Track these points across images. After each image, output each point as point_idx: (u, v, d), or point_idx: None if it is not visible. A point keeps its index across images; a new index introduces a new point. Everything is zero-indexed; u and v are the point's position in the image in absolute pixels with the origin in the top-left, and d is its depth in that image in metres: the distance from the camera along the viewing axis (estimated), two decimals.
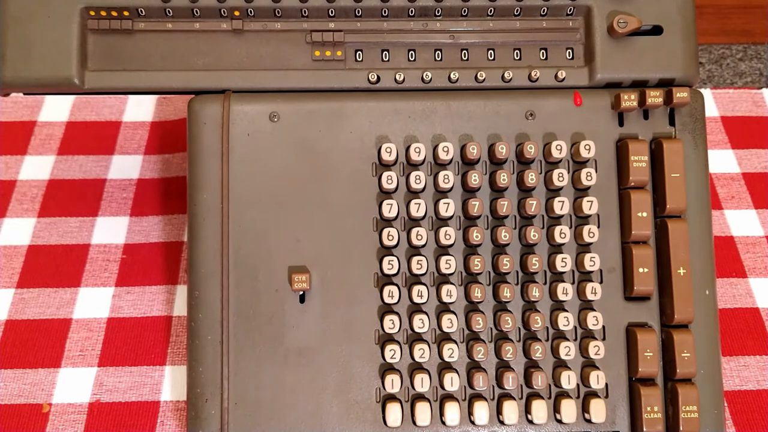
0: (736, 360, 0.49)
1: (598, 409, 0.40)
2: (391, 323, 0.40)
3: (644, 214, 0.41)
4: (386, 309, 0.41)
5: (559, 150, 0.41)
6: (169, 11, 0.41)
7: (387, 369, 0.41)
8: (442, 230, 0.41)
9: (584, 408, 0.41)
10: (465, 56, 0.43)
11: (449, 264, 0.41)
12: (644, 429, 0.40)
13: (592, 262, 0.41)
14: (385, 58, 0.43)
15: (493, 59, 0.43)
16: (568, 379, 0.40)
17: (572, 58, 0.43)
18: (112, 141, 0.58)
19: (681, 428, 0.39)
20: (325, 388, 0.40)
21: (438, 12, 0.42)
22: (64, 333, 0.49)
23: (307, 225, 0.41)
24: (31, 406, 0.46)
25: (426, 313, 0.41)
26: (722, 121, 0.60)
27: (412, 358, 0.40)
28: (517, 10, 0.42)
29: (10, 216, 0.54)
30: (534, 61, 0.43)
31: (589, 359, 0.41)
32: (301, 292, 0.41)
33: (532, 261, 0.41)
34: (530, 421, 0.41)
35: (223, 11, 0.41)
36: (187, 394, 0.41)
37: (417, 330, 0.40)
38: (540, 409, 0.40)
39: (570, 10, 0.42)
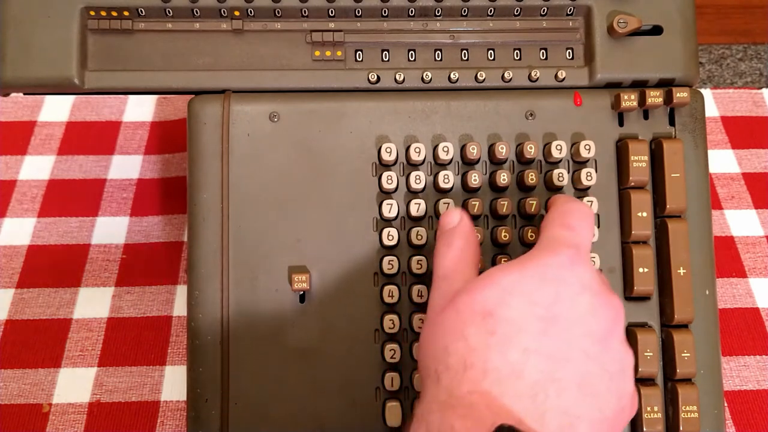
0: (736, 360, 0.49)
1: None
2: (391, 323, 0.40)
3: (644, 214, 0.41)
4: (386, 309, 0.41)
5: (559, 150, 0.41)
6: (169, 11, 0.41)
7: (387, 369, 0.41)
8: None
9: None
10: (465, 56, 0.43)
11: None
12: (644, 429, 0.40)
13: (592, 262, 0.41)
14: (385, 58, 0.43)
15: (493, 59, 0.43)
16: None
17: (572, 58, 0.43)
18: (112, 141, 0.58)
19: (681, 428, 0.39)
20: (325, 388, 0.40)
21: (438, 12, 0.42)
22: (64, 333, 0.49)
23: (307, 225, 0.41)
24: (31, 406, 0.46)
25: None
26: (722, 121, 0.60)
27: (412, 357, 0.40)
28: (517, 10, 0.42)
29: (10, 216, 0.54)
30: (534, 61, 0.43)
31: None
32: (301, 292, 0.41)
33: None
34: None
35: (223, 11, 0.41)
36: (187, 394, 0.41)
37: (417, 329, 0.40)
38: None
39: (570, 10, 0.42)
